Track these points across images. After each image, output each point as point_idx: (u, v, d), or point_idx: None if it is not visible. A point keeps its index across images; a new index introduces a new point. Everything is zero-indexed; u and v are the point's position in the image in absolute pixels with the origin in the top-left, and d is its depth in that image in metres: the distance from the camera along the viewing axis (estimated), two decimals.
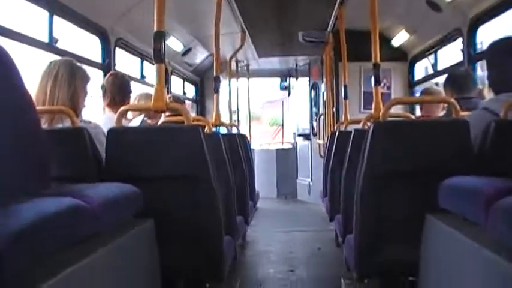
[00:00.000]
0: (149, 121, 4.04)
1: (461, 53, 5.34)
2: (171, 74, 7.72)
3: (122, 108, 2.85)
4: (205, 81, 9.66)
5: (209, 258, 2.69)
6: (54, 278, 1.38)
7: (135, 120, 3.98)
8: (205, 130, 4.00)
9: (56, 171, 2.28)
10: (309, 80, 10.52)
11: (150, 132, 2.83)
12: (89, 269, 1.62)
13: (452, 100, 2.93)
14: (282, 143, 12.56)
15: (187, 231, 2.65)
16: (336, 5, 6.07)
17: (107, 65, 5.12)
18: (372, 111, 3.56)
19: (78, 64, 3.07)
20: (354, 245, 2.78)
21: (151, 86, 3.29)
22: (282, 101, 12.66)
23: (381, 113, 2.90)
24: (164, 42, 2.74)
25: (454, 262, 1.94)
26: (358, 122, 4.61)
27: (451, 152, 2.57)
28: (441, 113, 4.27)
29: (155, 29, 2.74)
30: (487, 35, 5.10)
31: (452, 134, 2.63)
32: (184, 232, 2.65)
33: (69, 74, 2.91)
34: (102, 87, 3.98)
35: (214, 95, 5.04)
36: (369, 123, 3.62)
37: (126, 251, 2.05)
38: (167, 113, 4.19)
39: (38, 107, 2.59)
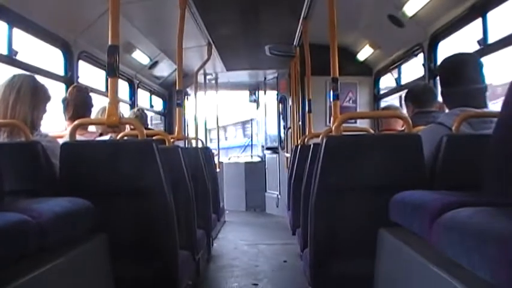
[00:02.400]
0: (114, 135, 4.01)
1: (423, 68, 5.43)
2: (138, 87, 7.67)
3: (76, 122, 2.83)
4: (173, 95, 9.61)
5: (164, 273, 2.67)
6: None
7: (104, 138, 3.94)
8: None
9: (11, 184, 2.26)
10: (277, 94, 10.57)
11: (103, 147, 2.81)
12: (35, 284, 1.60)
13: (404, 115, 2.97)
14: (251, 156, 12.56)
15: (142, 245, 2.63)
16: (301, 19, 6.12)
17: (69, 77, 5.06)
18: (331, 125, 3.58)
19: (41, 82, 3.07)
20: (309, 259, 2.78)
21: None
22: (251, 119, 12.65)
23: (333, 127, 2.92)
24: (118, 57, 2.73)
25: (404, 275, 1.96)
26: (319, 135, 4.64)
27: (403, 167, 2.60)
28: (401, 128, 4.32)
29: (109, 43, 2.74)
30: (450, 50, 5.18)
31: (404, 148, 2.65)
32: (139, 247, 2.63)
33: (31, 90, 2.95)
34: (64, 100, 3.93)
35: (177, 109, 5.02)
36: None
37: (77, 265, 2.03)
38: (131, 127, 4.16)
39: None
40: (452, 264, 1.44)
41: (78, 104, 3.92)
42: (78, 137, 2.90)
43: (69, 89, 4.15)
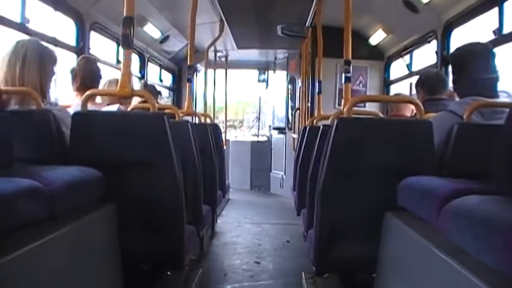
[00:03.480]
0: (122, 106, 4.01)
1: (435, 55, 5.40)
2: (148, 61, 7.67)
3: (88, 92, 2.82)
4: (182, 70, 9.57)
5: (170, 246, 2.69)
6: (6, 257, 1.39)
7: (111, 107, 3.95)
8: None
9: (21, 152, 2.28)
10: (287, 74, 10.54)
11: (114, 118, 2.81)
12: (43, 250, 1.62)
13: (417, 101, 2.96)
14: (258, 135, 12.57)
15: (149, 218, 2.65)
16: (315, 0, 6.08)
17: (80, 48, 5.06)
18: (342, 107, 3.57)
19: (45, 44, 3.04)
20: (313, 240, 2.80)
21: None
22: (260, 96, 12.64)
23: (344, 109, 2.92)
24: (133, 28, 2.72)
25: (409, 260, 1.98)
26: (329, 117, 4.64)
27: (413, 152, 2.60)
28: (410, 115, 4.31)
29: (124, 14, 2.72)
30: (464, 38, 5.15)
31: (415, 134, 2.66)
32: (146, 219, 2.65)
33: (37, 56, 2.86)
34: (72, 71, 3.93)
35: (187, 84, 5.03)
36: None
37: (85, 234, 2.05)
38: (140, 99, 4.17)
39: (2, 88, 2.60)
40: (459, 250, 1.46)
41: (86, 75, 3.91)
42: (89, 107, 2.90)
43: (78, 59, 4.15)
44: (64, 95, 4.04)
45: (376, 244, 2.37)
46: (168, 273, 3.04)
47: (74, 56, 4.97)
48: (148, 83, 6.95)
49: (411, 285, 1.91)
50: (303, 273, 3.95)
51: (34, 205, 1.65)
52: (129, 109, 3.86)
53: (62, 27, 4.95)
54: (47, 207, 1.72)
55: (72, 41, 5.07)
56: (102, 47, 5.78)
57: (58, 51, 3.15)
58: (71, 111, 2.91)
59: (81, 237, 2.01)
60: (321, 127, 3.76)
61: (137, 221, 2.62)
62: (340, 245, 2.67)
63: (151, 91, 5.13)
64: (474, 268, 1.35)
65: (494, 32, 4.18)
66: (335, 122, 2.70)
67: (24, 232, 1.56)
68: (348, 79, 3.51)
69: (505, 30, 4.11)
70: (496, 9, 4.21)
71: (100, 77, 4.05)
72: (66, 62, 3.97)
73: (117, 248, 2.41)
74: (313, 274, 2.96)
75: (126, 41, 2.72)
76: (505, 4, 4.11)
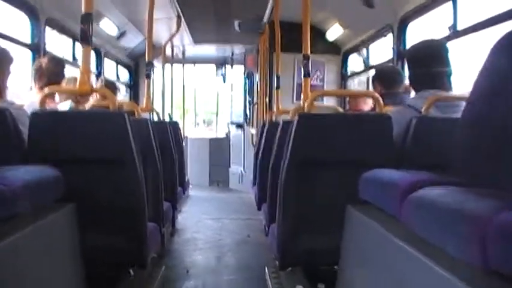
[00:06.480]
0: (73, 103, 3.97)
1: (392, 50, 5.48)
2: (104, 57, 7.56)
3: (47, 90, 2.77)
4: (139, 66, 9.49)
5: (132, 244, 2.67)
6: None
7: (62, 105, 3.89)
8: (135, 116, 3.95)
9: None
10: (244, 69, 10.54)
11: (74, 116, 2.77)
12: (4, 251, 1.59)
13: (376, 95, 3.01)
14: (216, 131, 12.56)
15: (111, 216, 2.62)
16: None
17: (36, 45, 4.95)
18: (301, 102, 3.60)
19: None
20: (276, 234, 2.82)
21: None
22: (217, 92, 12.62)
23: (305, 104, 2.95)
24: (91, 25, 2.68)
25: (372, 252, 2.00)
26: (288, 112, 4.66)
27: (373, 146, 2.65)
28: (368, 109, 4.37)
29: (83, 11, 2.68)
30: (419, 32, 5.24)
31: (375, 128, 2.70)
32: (108, 217, 2.62)
33: None
34: (38, 68, 3.87)
35: (146, 81, 4.99)
36: None
37: (45, 235, 2.02)
38: (98, 97, 4.13)
39: None
40: (422, 242, 1.48)
41: (52, 75, 3.86)
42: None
43: (45, 59, 4.07)
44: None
45: (339, 237, 2.40)
46: (131, 271, 3.01)
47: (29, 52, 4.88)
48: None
49: (374, 276, 1.94)
50: (266, 267, 3.97)
51: None
52: (87, 107, 3.81)
53: (15, 23, 4.83)
54: (7, 207, 1.69)
55: (26, 37, 4.94)
56: (55, 43, 5.66)
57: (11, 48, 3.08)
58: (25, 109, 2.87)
59: (41, 238, 1.97)
60: (281, 122, 3.78)
61: (99, 220, 2.59)
62: (304, 239, 2.70)
63: (111, 88, 5.09)
64: (437, 258, 1.37)
65: (449, 28, 4.26)
66: (296, 117, 2.73)
67: None
68: (307, 74, 3.54)
69: (459, 24, 4.19)
70: (450, 3, 4.29)
71: (64, 77, 4.00)
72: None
73: (79, 248, 2.38)
74: (277, 268, 2.97)
75: (85, 38, 2.68)
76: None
